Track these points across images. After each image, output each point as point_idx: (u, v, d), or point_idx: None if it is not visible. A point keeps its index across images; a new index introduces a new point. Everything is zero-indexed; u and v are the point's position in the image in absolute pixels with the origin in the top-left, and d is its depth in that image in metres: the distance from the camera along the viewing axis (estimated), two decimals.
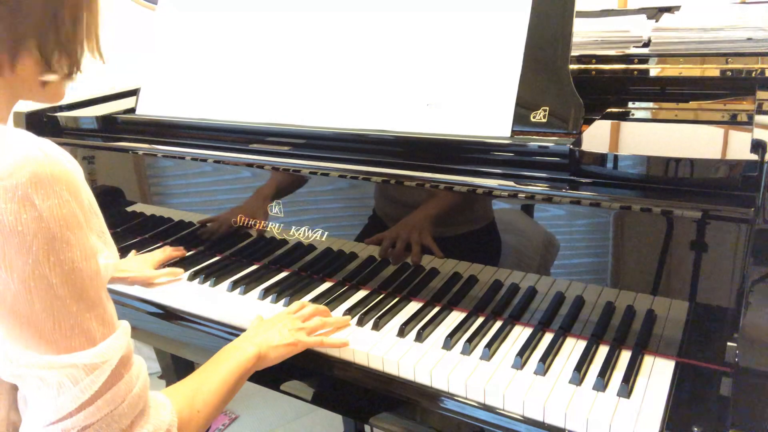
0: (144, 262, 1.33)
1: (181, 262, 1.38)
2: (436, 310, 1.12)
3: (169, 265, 1.35)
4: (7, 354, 0.63)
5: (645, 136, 1.08)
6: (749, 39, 1.24)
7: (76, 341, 0.63)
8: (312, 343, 1.02)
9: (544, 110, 1.06)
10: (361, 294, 1.20)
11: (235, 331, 1.17)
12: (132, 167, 1.46)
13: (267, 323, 1.04)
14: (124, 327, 0.70)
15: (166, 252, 1.39)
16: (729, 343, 0.84)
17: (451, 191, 1.05)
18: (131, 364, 0.69)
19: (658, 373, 0.91)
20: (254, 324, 1.05)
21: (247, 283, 1.25)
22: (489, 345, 0.99)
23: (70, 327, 0.63)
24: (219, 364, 0.91)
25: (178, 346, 1.29)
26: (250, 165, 1.27)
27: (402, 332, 1.06)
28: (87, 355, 0.64)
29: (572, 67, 1.20)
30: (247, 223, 1.31)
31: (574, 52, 1.31)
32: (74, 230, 0.62)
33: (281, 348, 0.99)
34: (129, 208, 1.50)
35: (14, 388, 0.71)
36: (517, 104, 1.07)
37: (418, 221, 1.10)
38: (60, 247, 0.61)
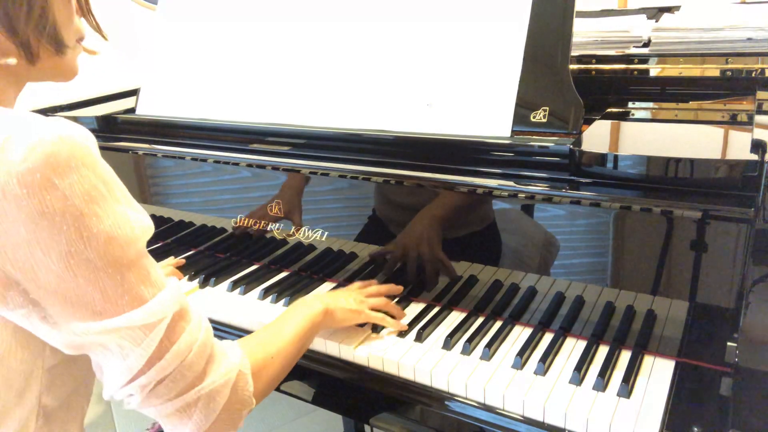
0: None
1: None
2: (436, 310, 1.12)
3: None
4: (70, 328, 0.65)
5: (645, 136, 1.08)
6: (749, 39, 1.24)
7: (128, 305, 0.65)
8: (374, 317, 1.05)
9: (544, 110, 1.05)
10: None
11: (235, 331, 1.17)
12: (132, 167, 1.46)
13: (334, 291, 1.10)
14: (174, 283, 0.71)
15: (169, 262, 1.36)
16: (729, 343, 0.84)
17: (456, 193, 1.05)
18: (190, 316, 0.71)
19: (658, 373, 0.91)
20: (322, 291, 1.11)
21: (247, 283, 1.25)
22: (489, 345, 0.99)
23: (118, 294, 0.65)
24: (289, 317, 0.94)
25: None
26: (250, 165, 1.27)
27: (402, 333, 1.06)
28: (138, 314, 0.65)
29: (572, 67, 1.20)
30: (248, 223, 1.31)
31: (574, 52, 1.31)
32: (99, 202, 0.63)
33: (347, 311, 1.02)
34: None
35: (48, 373, 0.73)
36: (517, 104, 1.07)
37: (426, 234, 1.11)
38: (89, 221, 0.62)
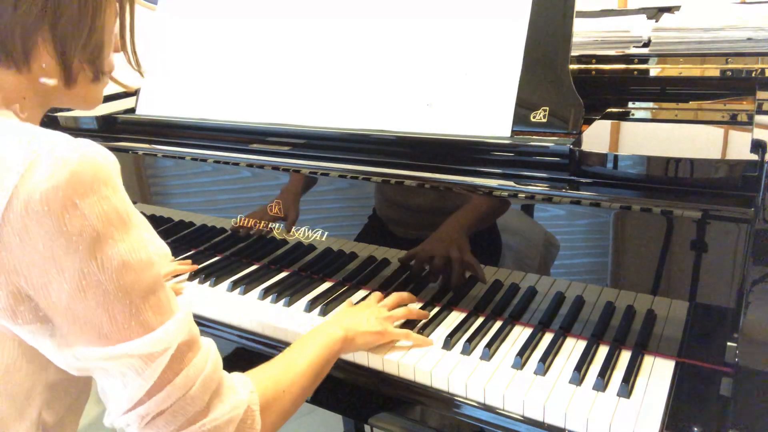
0: None
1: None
2: (436, 310, 1.12)
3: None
4: (73, 352, 0.65)
5: (645, 136, 1.08)
6: (749, 39, 1.24)
7: (134, 332, 0.64)
8: (399, 335, 1.02)
9: (544, 110, 1.05)
10: (361, 294, 1.20)
11: (235, 331, 1.17)
12: (132, 167, 1.46)
13: (353, 309, 1.05)
14: (184, 312, 0.69)
15: (174, 266, 1.33)
16: (729, 343, 0.84)
17: (484, 198, 1.04)
18: (198, 346, 0.69)
19: (658, 373, 0.91)
20: (340, 310, 1.05)
21: (247, 283, 1.25)
22: (489, 345, 0.99)
23: (125, 320, 0.64)
24: (305, 345, 0.90)
25: None
26: (250, 165, 1.27)
27: None
28: (142, 343, 0.64)
29: (572, 67, 1.20)
30: (248, 223, 1.31)
31: (574, 52, 1.31)
32: (117, 225, 0.63)
33: (368, 335, 0.98)
34: None
35: (49, 389, 0.73)
36: (517, 104, 1.07)
37: (452, 236, 1.09)
38: (105, 243, 0.62)
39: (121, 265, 0.63)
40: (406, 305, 1.10)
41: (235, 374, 0.76)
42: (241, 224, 1.32)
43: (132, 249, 0.64)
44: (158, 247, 0.69)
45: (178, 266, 1.34)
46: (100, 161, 0.63)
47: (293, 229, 1.25)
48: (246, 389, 0.74)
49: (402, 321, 1.07)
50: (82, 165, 0.61)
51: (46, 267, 0.61)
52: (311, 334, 0.94)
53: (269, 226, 1.28)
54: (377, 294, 1.12)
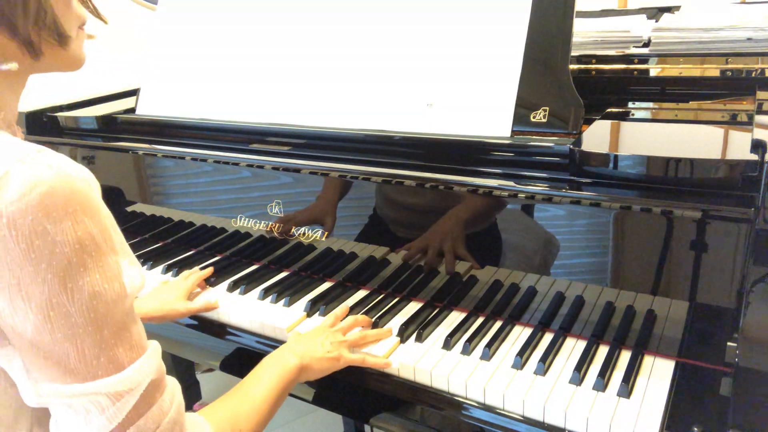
0: (179, 292, 1.20)
1: (182, 263, 1.38)
2: (436, 310, 1.12)
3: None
4: (36, 389, 0.61)
5: (645, 136, 1.08)
6: (749, 39, 1.24)
7: (102, 369, 0.60)
8: (354, 360, 0.99)
9: (544, 110, 1.05)
10: (361, 294, 1.20)
11: (235, 331, 1.17)
12: (132, 167, 1.46)
13: (306, 336, 1.01)
14: (153, 348, 0.66)
15: (197, 275, 1.27)
16: (729, 343, 0.84)
17: (473, 194, 1.04)
18: (164, 386, 0.66)
19: (658, 373, 0.91)
20: (293, 337, 1.02)
21: (247, 283, 1.25)
22: (489, 345, 0.99)
23: (94, 355, 0.59)
24: (260, 377, 0.87)
25: (178, 346, 1.29)
26: (250, 165, 1.27)
27: (402, 332, 1.06)
28: (111, 381, 0.60)
29: (572, 67, 1.20)
30: (247, 223, 1.31)
31: (574, 52, 1.31)
32: (91, 252, 0.58)
33: (324, 361, 0.95)
34: (129, 208, 1.50)
35: (39, 408, 0.68)
36: (517, 104, 1.07)
37: (450, 230, 1.08)
38: (77, 272, 0.57)
39: (93, 296, 0.58)
40: (361, 328, 1.06)
41: (191, 415, 0.72)
42: (241, 224, 1.32)
43: (105, 279, 0.60)
44: (133, 277, 0.64)
45: (203, 274, 1.28)
46: (77, 183, 0.58)
47: (293, 229, 1.25)
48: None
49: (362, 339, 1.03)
50: (55, 186, 0.56)
51: (12, 295, 0.56)
52: (265, 363, 0.91)
53: (269, 226, 1.28)
54: (330, 317, 1.08)
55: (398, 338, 1.05)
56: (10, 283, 0.56)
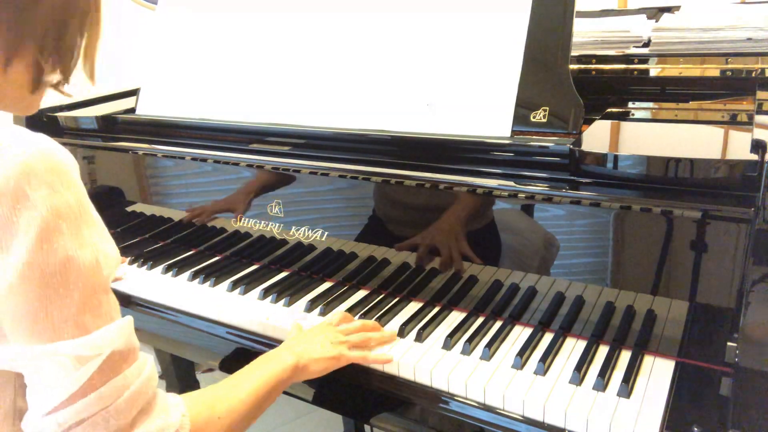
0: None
1: (182, 263, 1.38)
2: (436, 310, 1.12)
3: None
4: (5, 348, 0.63)
5: (645, 136, 1.08)
6: (749, 39, 1.24)
7: (68, 332, 0.62)
8: (355, 358, 0.98)
9: (544, 110, 1.06)
10: (361, 294, 1.20)
11: (235, 331, 1.17)
12: (132, 167, 1.46)
13: (307, 334, 1.00)
14: (124, 320, 0.67)
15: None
16: (729, 343, 0.84)
17: (473, 194, 1.04)
18: (134, 359, 0.67)
19: (658, 373, 0.91)
20: (293, 334, 1.02)
21: (247, 283, 1.25)
22: (489, 345, 0.99)
23: (62, 318, 0.62)
24: (252, 371, 0.88)
25: (178, 346, 1.29)
26: (250, 165, 1.27)
27: (402, 332, 1.06)
28: (74, 344, 0.62)
29: (572, 67, 1.20)
30: (248, 223, 1.31)
31: (574, 52, 1.31)
32: (68, 219, 0.62)
33: (323, 361, 0.95)
34: (129, 208, 1.50)
35: (20, 375, 0.70)
36: (517, 104, 1.07)
37: (450, 230, 1.08)
38: (52, 234, 0.61)
39: (67, 260, 0.61)
40: (365, 332, 1.03)
41: (170, 395, 0.73)
42: (241, 224, 1.32)
43: (79, 245, 0.63)
44: (108, 252, 0.67)
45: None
46: (58, 156, 0.63)
47: (293, 229, 1.25)
48: (178, 412, 0.71)
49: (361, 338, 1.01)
50: (35, 157, 0.61)
51: None
52: (261, 359, 0.91)
53: (269, 226, 1.28)
54: (336, 315, 1.07)
55: (398, 337, 1.05)
56: None
